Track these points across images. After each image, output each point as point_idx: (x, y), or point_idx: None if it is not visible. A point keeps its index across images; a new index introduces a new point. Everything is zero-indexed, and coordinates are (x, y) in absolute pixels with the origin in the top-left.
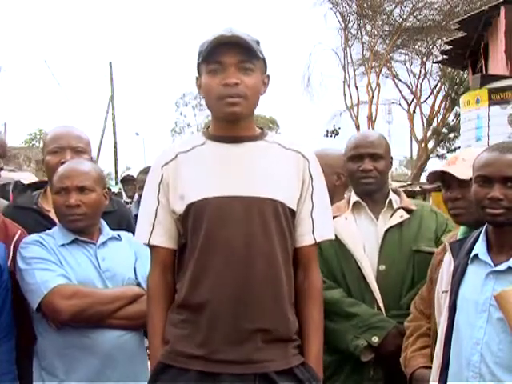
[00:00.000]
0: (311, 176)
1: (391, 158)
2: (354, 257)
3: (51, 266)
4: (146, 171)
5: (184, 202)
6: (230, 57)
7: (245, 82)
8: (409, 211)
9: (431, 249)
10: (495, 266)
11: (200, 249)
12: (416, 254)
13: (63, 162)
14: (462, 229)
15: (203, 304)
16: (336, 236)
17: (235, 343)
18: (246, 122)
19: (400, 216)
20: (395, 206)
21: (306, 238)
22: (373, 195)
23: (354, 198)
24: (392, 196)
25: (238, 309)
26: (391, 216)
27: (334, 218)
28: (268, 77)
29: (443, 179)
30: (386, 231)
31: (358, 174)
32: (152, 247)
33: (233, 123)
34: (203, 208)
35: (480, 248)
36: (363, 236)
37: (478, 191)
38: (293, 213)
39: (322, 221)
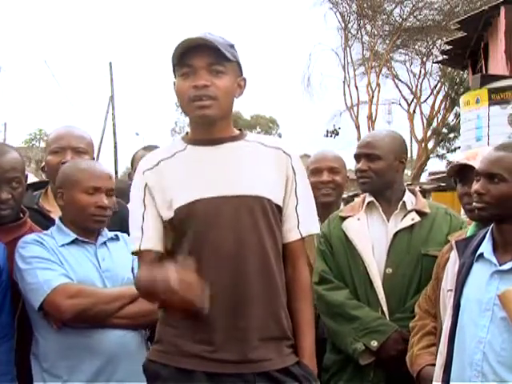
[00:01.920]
0: (294, 171)
1: (405, 158)
2: (362, 258)
3: (52, 265)
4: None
5: (172, 208)
6: (199, 60)
7: (215, 83)
8: (422, 214)
9: (439, 253)
10: (500, 265)
11: (191, 252)
12: (424, 257)
13: (64, 163)
14: (471, 227)
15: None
16: (347, 236)
17: (232, 342)
18: (223, 123)
19: (411, 219)
20: (408, 207)
21: (292, 233)
22: (382, 195)
23: (369, 197)
24: (406, 197)
25: (232, 308)
26: (403, 218)
27: (347, 217)
28: (244, 80)
29: (459, 174)
30: (396, 234)
31: (357, 174)
32: (141, 251)
33: (209, 126)
34: (192, 211)
35: (486, 247)
36: (373, 237)
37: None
38: (279, 209)
39: (306, 215)
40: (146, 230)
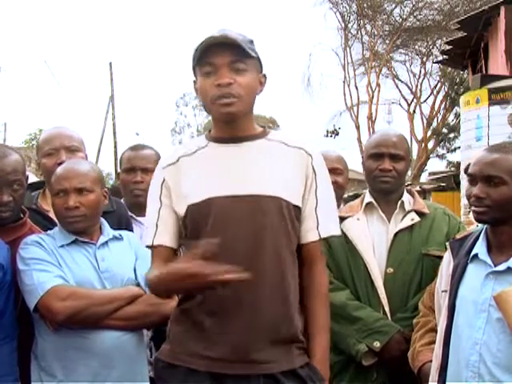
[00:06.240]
0: (315, 172)
1: (410, 159)
2: (362, 258)
3: (49, 267)
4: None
5: (186, 204)
6: (221, 57)
7: (238, 81)
8: (421, 214)
9: (440, 253)
10: (495, 266)
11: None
12: (425, 257)
13: (60, 163)
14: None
15: (209, 304)
16: (347, 237)
17: (239, 342)
18: (245, 121)
19: (411, 219)
20: (407, 207)
21: (310, 234)
22: (387, 196)
23: (368, 198)
24: (405, 197)
25: (244, 309)
26: (402, 218)
27: (346, 218)
28: (264, 76)
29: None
30: (396, 234)
31: (377, 173)
32: (154, 246)
33: (231, 124)
34: (205, 209)
35: (480, 248)
36: (374, 237)
37: (467, 189)
38: (298, 209)
39: (326, 217)
40: (160, 226)
